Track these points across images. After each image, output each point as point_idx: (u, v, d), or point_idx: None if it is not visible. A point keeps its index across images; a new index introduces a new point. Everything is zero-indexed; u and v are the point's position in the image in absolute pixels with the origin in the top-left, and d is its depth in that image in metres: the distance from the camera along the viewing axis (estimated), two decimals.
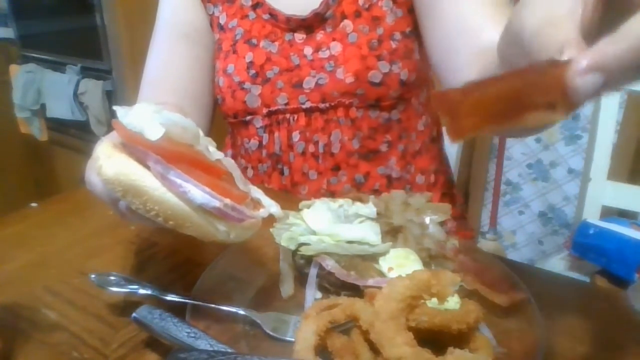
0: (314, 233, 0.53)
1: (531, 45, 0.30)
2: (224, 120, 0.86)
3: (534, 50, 0.30)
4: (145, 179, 0.40)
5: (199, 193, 0.40)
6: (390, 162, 0.80)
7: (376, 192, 0.79)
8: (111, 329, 0.48)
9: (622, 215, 1.23)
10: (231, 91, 0.78)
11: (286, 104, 0.76)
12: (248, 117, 0.79)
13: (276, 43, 0.76)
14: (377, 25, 0.73)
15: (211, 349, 0.40)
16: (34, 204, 0.76)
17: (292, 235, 0.51)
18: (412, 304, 0.38)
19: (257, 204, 0.48)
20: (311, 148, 0.78)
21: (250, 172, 0.86)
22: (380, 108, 0.76)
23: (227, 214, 0.42)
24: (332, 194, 0.78)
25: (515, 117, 0.28)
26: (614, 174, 1.09)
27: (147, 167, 0.41)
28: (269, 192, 0.49)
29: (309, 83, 0.75)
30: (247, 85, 0.76)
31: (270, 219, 0.50)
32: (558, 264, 1.23)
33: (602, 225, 1.12)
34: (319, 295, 0.50)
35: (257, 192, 0.48)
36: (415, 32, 0.75)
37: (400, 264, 0.49)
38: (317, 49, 0.75)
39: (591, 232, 1.13)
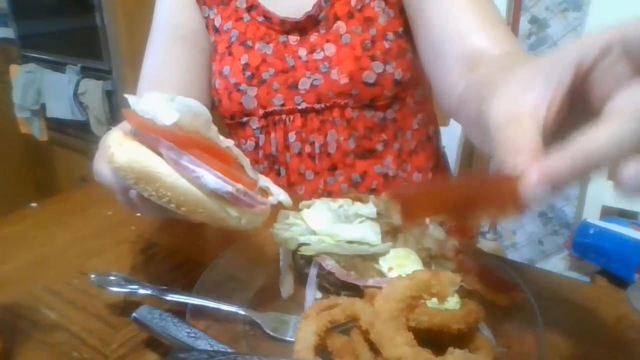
0: (314, 233, 0.53)
1: (495, 137, 0.32)
2: (221, 122, 0.86)
3: (496, 144, 0.31)
4: (158, 166, 0.40)
5: (212, 178, 0.40)
6: (387, 161, 0.80)
7: (373, 191, 0.79)
8: (111, 329, 0.48)
9: (622, 215, 1.23)
10: (227, 93, 0.78)
11: (282, 105, 0.77)
12: (245, 119, 0.80)
13: (271, 45, 0.77)
14: (370, 26, 0.73)
15: (211, 349, 0.40)
16: (33, 204, 0.76)
17: (292, 235, 0.51)
18: (412, 304, 0.38)
19: (265, 192, 0.48)
20: (307, 148, 0.78)
21: None
22: (375, 108, 0.76)
23: (239, 198, 0.42)
24: (329, 194, 0.78)
25: (467, 215, 0.33)
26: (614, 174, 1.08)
27: (159, 155, 0.41)
28: None
29: (304, 84, 0.75)
30: (243, 86, 0.77)
31: (276, 215, 0.49)
32: (558, 264, 1.23)
33: (602, 225, 1.12)
34: (319, 295, 0.50)
35: (265, 181, 0.48)
36: (408, 32, 0.76)
37: (400, 264, 0.49)
38: (311, 51, 0.75)
39: (591, 232, 1.13)
